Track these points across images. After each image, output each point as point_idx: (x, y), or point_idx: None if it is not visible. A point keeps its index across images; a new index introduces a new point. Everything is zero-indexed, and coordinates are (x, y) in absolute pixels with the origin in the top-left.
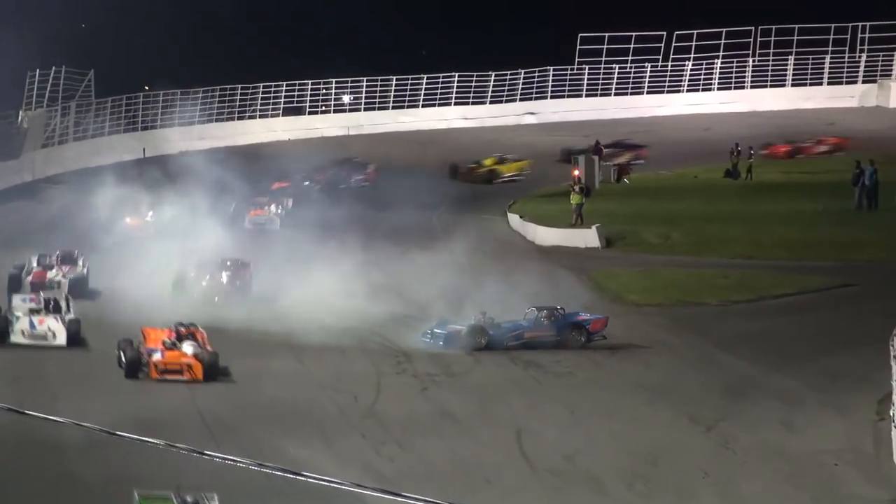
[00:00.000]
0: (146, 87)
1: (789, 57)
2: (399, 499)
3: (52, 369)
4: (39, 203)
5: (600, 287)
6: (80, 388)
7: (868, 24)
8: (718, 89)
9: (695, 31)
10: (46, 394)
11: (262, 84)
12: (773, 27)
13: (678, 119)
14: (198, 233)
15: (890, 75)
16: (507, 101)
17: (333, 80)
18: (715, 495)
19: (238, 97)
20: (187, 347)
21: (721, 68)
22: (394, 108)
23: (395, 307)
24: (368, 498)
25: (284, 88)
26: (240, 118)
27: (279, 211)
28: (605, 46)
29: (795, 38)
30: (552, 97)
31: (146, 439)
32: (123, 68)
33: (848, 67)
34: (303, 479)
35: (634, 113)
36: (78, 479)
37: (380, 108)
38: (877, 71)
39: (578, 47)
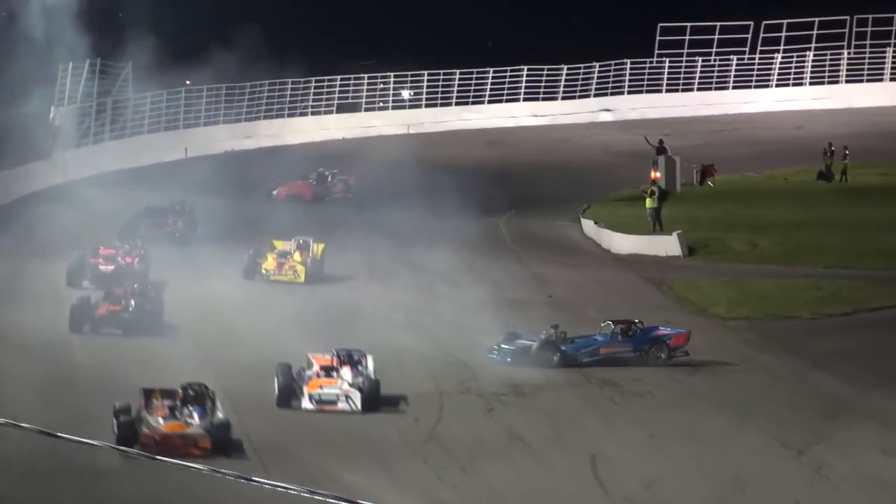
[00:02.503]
0: (188, 82)
1: (888, 49)
2: None
3: None
4: (74, 207)
5: (682, 299)
6: None
7: None
8: (810, 84)
9: (784, 21)
10: None
11: (314, 79)
12: (870, 17)
13: (766, 116)
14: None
15: None
16: (580, 97)
17: (392, 74)
18: None
19: (288, 92)
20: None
21: (813, 61)
22: (457, 104)
23: (459, 321)
24: None
25: (339, 83)
26: (290, 115)
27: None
28: (686, 38)
29: (895, 28)
30: (629, 93)
31: (189, 464)
32: (163, 62)
33: None
34: None
35: (718, 109)
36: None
37: (442, 105)
38: None
39: (658, 39)
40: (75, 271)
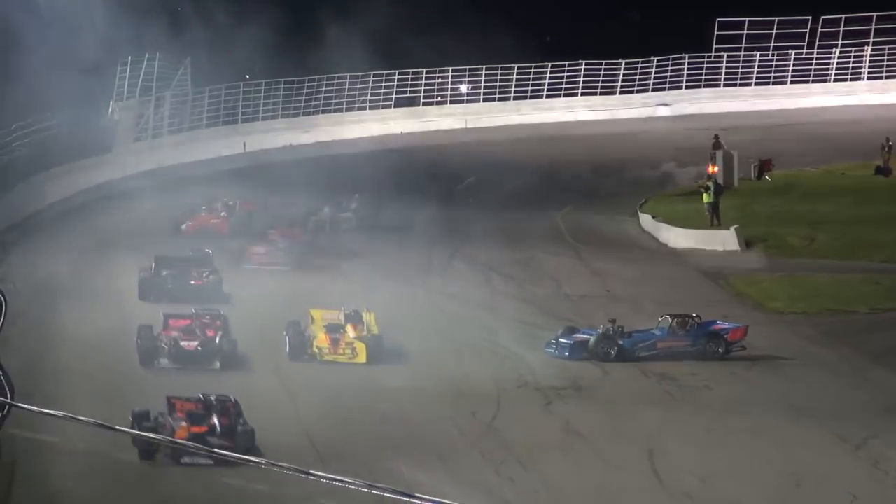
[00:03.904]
0: (247, 77)
1: None
2: None
3: None
4: (133, 201)
5: (740, 293)
6: None
7: None
8: (868, 79)
9: (842, 16)
10: None
11: (372, 73)
12: None
13: (823, 111)
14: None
15: None
16: (638, 92)
17: (450, 68)
18: None
19: (347, 86)
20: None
21: (871, 56)
22: (515, 98)
23: (518, 315)
24: None
25: (397, 77)
26: (348, 109)
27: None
28: (744, 32)
29: None
30: (687, 87)
31: (248, 458)
32: (222, 56)
33: None
34: (417, 501)
35: (776, 104)
36: (175, 499)
37: (500, 99)
38: None
39: (716, 33)
40: (147, 350)
